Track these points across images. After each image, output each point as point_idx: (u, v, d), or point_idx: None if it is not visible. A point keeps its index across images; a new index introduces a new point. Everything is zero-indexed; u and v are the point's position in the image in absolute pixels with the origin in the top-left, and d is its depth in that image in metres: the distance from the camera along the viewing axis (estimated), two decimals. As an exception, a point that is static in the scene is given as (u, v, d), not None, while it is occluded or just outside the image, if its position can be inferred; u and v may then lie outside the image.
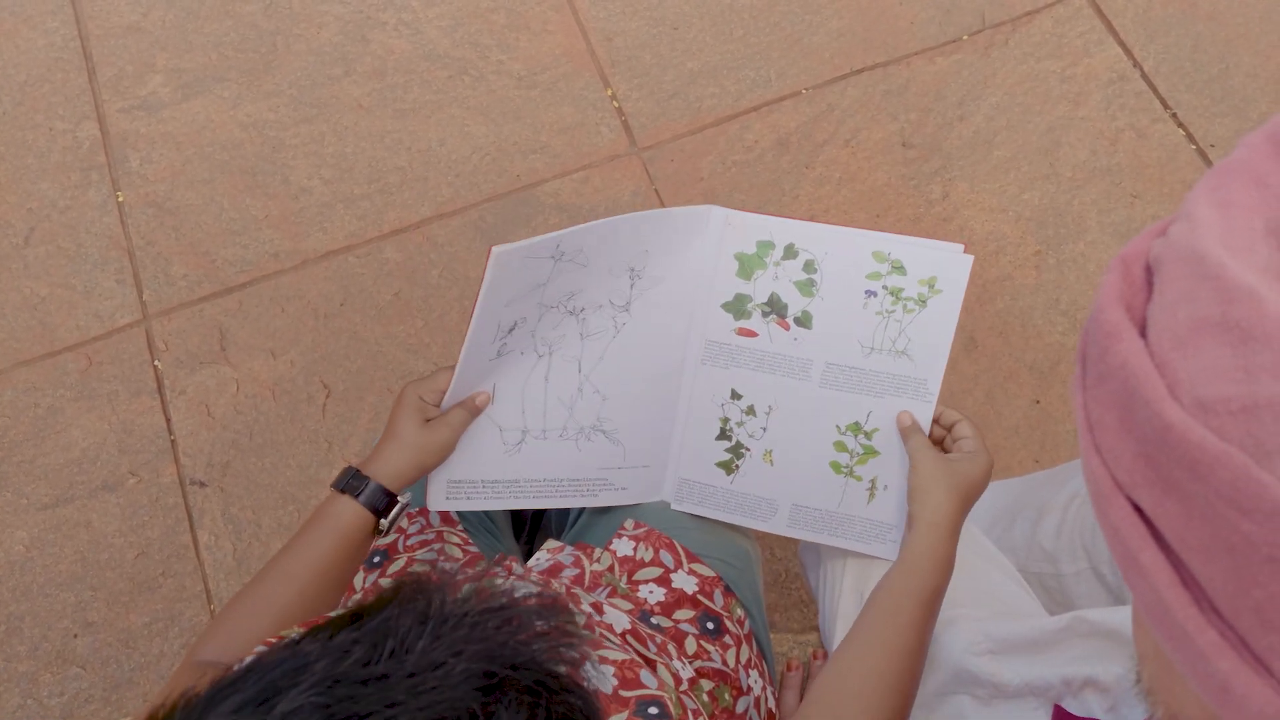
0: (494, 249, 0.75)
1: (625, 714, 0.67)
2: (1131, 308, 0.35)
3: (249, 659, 0.39)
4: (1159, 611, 0.33)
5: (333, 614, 0.41)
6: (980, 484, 0.86)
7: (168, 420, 1.47)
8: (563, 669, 0.42)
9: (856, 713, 0.74)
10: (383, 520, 0.80)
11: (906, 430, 0.88)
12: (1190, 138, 1.66)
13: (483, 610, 0.41)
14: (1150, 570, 0.33)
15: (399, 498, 0.81)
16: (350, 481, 0.80)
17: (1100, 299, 0.35)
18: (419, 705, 0.38)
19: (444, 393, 0.84)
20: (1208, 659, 0.31)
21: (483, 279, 0.77)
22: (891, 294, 0.87)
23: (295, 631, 0.42)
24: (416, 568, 0.92)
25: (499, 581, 0.44)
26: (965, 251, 0.86)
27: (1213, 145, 1.66)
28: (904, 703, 0.77)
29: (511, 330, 0.84)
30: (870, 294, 0.87)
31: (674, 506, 0.95)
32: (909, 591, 0.79)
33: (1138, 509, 0.33)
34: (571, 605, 0.45)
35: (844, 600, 0.92)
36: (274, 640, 0.41)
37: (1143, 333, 0.34)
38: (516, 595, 0.43)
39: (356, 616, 0.41)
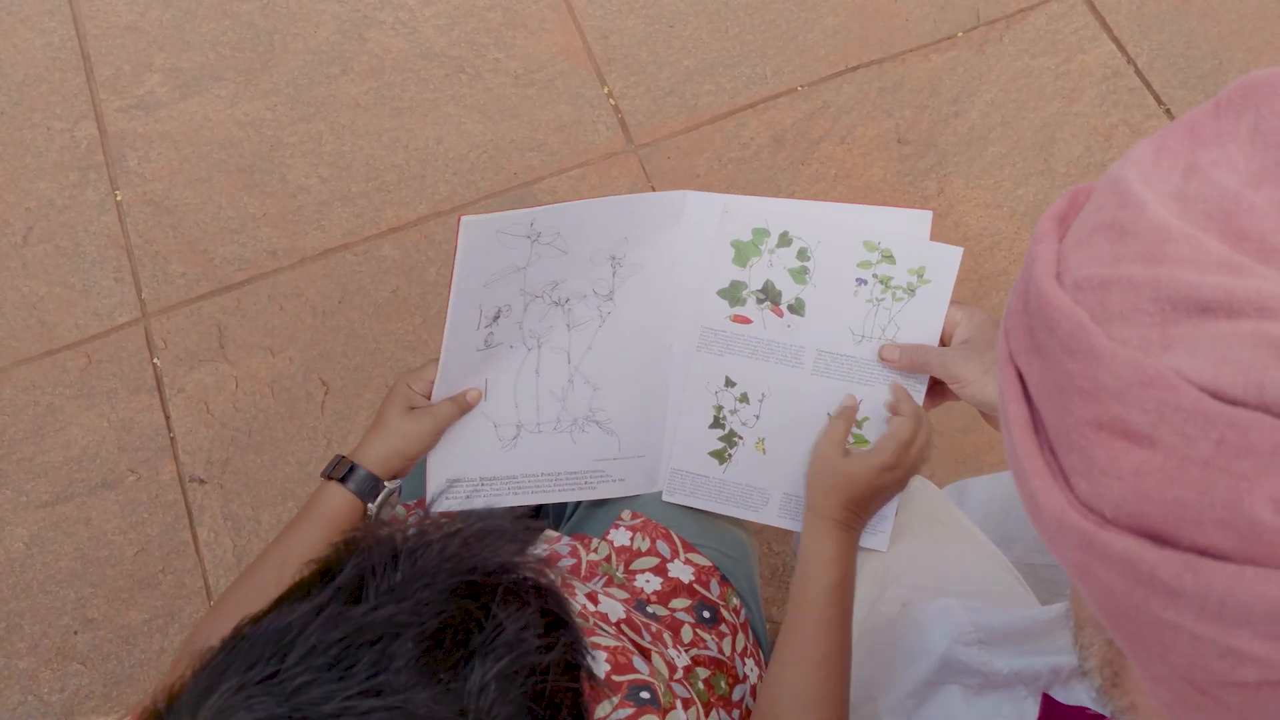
0: (463, 217, 0.78)
1: (618, 698, 0.68)
2: (1065, 224, 0.41)
3: (228, 637, 0.40)
4: (1012, 450, 0.40)
5: (297, 580, 0.43)
6: (868, 483, 0.84)
7: (167, 418, 1.48)
8: (529, 570, 0.46)
9: None
10: (370, 506, 0.81)
11: (839, 414, 0.89)
12: (1184, 133, 1.66)
13: (442, 536, 0.45)
14: (1013, 417, 0.40)
15: (385, 484, 0.82)
16: (337, 468, 0.82)
17: (1043, 215, 0.41)
18: (421, 620, 0.40)
19: (433, 382, 0.85)
20: (1030, 479, 0.39)
21: (455, 250, 0.79)
22: (881, 282, 0.87)
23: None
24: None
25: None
26: (950, 240, 0.87)
27: (1207, 140, 1.66)
28: (838, 700, 0.78)
29: (496, 318, 0.85)
30: (861, 282, 0.88)
31: (665, 498, 0.95)
32: (808, 597, 0.81)
33: (1020, 375, 0.41)
34: (506, 514, 0.50)
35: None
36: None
37: None
38: (461, 521, 0.47)
39: (324, 573, 0.42)
